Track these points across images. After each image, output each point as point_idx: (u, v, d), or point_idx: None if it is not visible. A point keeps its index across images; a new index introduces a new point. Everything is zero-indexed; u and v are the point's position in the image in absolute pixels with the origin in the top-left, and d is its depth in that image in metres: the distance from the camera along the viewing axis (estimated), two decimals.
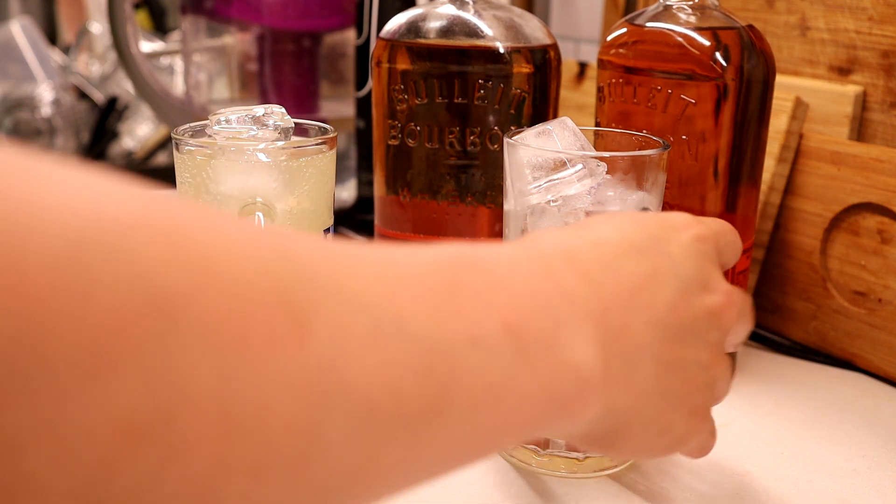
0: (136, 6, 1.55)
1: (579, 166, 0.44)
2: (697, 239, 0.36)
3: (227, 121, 0.50)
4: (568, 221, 0.45)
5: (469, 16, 0.58)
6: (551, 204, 0.45)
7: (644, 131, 0.57)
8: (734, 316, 0.36)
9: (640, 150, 0.48)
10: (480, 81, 0.57)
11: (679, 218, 0.37)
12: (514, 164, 0.46)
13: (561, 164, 0.45)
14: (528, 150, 0.46)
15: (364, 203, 0.86)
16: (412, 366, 0.24)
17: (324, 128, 0.53)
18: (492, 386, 0.26)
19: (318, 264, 0.23)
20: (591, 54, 0.96)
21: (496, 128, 0.58)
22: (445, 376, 0.24)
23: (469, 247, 0.29)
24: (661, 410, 0.34)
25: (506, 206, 0.48)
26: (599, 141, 0.52)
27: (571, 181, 0.44)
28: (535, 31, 0.59)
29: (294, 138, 0.51)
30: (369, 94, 0.80)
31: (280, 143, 0.49)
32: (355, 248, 0.26)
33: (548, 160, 0.45)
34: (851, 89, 0.64)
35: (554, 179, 0.45)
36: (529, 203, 0.46)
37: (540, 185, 0.45)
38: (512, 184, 0.47)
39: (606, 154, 0.46)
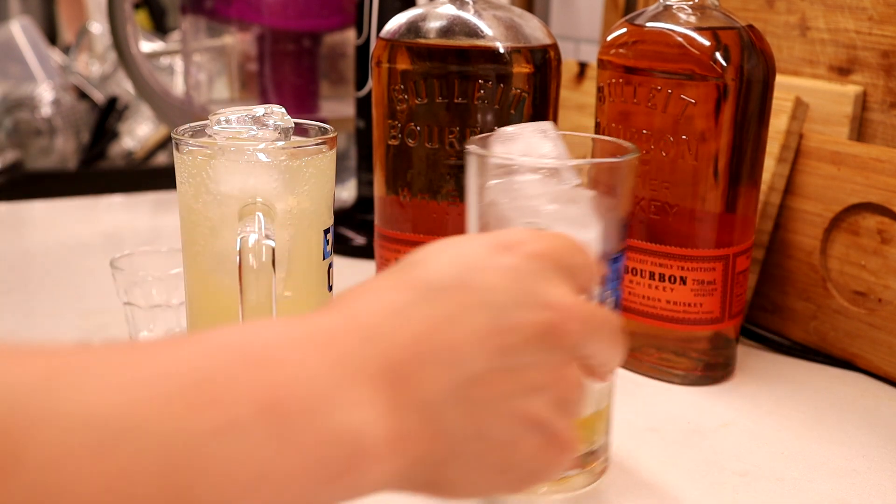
0: (136, 6, 1.55)
1: (529, 174, 0.42)
2: (529, 257, 0.34)
3: (227, 121, 0.50)
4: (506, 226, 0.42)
5: (469, 16, 0.58)
6: (489, 207, 0.43)
7: (645, 131, 0.57)
8: (577, 330, 0.34)
9: (608, 156, 0.46)
10: (480, 81, 0.57)
11: (514, 236, 0.35)
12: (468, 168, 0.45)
13: (513, 170, 0.42)
14: (479, 153, 0.44)
15: (364, 203, 0.86)
16: (149, 469, 0.23)
17: (324, 128, 0.53)
18: (246, 473, 0.25)
19: (38, 386, 0.23)
20: (591, 54, 0.96)
21: (496, 128, 0.58)
22: (189, 473, 0.24)
23: (237, 330, 0.29)
24: (488, 450, 0.32)
25: None
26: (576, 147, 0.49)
27: (513, 187, 0.42)
28: (535, 31, 0.59)
29: (294, 138, 0.51)
30: (369, 94, 0.80)
31: (280, 143, 0.49)
32: (99, 355, 0.25)
33: (498, 165, 0.43)
34: (851, 89, 0.64)
35: (496, 183, 0.43)
36: (475, 204, 0.44)
37: (486, 188, 0.43)
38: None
39: (544, 161, 0.43)
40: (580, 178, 0.43)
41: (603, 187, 0.43)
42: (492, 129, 0.58)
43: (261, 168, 0.49)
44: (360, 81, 0.83)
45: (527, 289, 0.33)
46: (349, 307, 0.32)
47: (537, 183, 0.42)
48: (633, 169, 0.44)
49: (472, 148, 0.44)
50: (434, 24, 0.58)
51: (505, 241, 0.34)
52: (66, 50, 1.52)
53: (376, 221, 0.62)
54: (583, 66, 0.83)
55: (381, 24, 0.77)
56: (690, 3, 0.57)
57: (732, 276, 0.58)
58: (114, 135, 1.21)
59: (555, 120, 0.60)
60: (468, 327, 0.31)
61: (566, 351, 0.34)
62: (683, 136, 0.55)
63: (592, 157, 0.48)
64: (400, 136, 0.59)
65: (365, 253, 0.81)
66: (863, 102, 0.65)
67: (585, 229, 0.43)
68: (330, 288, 0.53)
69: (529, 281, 0.33)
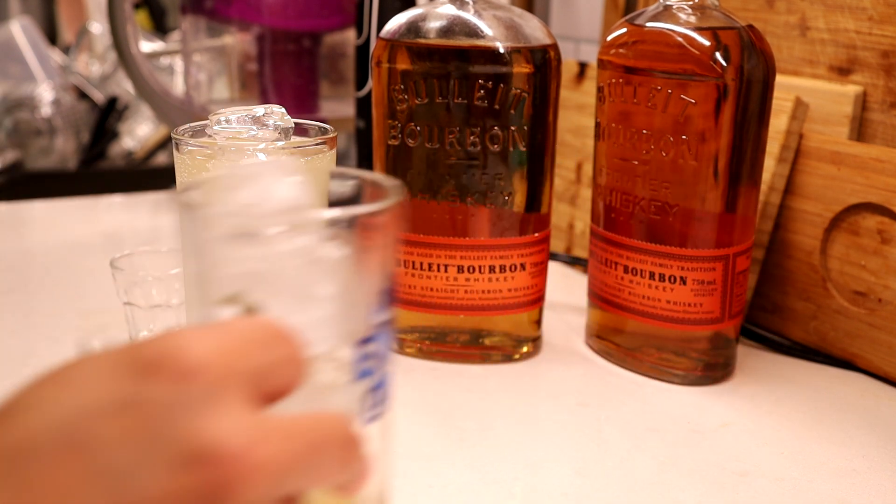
0: (136, 6, 1.55)
1: (261, 227, 0.31)
2: (179, 378, 0.23)
3: (227, 121, 0.50)
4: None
5: (469, 16, 0.58)
6: (203, 272, 0.31)
7: (645, 131, 0.57)
8: (255, 480, 0.23)
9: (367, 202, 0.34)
10: (480, 81, 0.57)
11: (162, 347, 0.24)
12: None
13: (240, 223, 0.31)
14: (183, 203, 0.31)
15: None
16: None
17: (324, 128, 0.53)
18: None
19: None
20: (591, 54, 0.96)
21: (496, 128, 0.58)
22: None
23: None
24: None
25: None
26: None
27: (228, 245, 0.31)
28: (535, 31, 0.59)
29: (294, 138, 0.51)
30: (369, 94, 0.80)
31: (280, 143, 0.49)
32: None
33: (219, 215, 0.31)
34: (851, 89, 0.64)
35: (216, 239, 0.31)
36: (185, 270, 0.33)
37: (203, 244, 0.32)
38: None
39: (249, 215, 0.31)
40: (329, 233, 0.30)
41: (355, 244, 0.31)
42: (492, 130, 0.58)
43: None
44: (360, 81, 0.83)
45: (167, 437, 0.23)
46: None
47: (267, 240, 0.30)
48: (395, 220, 0.32)
49: (179, 197, 0.32)
50: (434, 24, 0.58)
51: (146, 359, 0.24)
52: (66, 50, 1.53)
53: None
54: (583, 66, 0.83)
55: (381, 24, 0.77)
56: (690, 3, 0.57)
57: (732, 276, 0.58)
58: (114, 135, 1.21)
59: (555, 120, 0.60)
60: None
61: None
62: (683, 136, 0.55)
63: (350, 202, 0.35)
64: (400, 136, 0.59)
65: None
66: (863, 102, 0.64)
67: (317, 304, 0.31)
68: None
69: (172, 422, 0.23)
